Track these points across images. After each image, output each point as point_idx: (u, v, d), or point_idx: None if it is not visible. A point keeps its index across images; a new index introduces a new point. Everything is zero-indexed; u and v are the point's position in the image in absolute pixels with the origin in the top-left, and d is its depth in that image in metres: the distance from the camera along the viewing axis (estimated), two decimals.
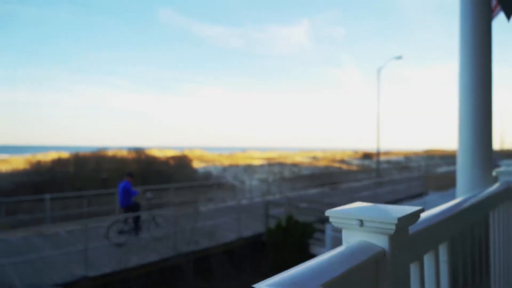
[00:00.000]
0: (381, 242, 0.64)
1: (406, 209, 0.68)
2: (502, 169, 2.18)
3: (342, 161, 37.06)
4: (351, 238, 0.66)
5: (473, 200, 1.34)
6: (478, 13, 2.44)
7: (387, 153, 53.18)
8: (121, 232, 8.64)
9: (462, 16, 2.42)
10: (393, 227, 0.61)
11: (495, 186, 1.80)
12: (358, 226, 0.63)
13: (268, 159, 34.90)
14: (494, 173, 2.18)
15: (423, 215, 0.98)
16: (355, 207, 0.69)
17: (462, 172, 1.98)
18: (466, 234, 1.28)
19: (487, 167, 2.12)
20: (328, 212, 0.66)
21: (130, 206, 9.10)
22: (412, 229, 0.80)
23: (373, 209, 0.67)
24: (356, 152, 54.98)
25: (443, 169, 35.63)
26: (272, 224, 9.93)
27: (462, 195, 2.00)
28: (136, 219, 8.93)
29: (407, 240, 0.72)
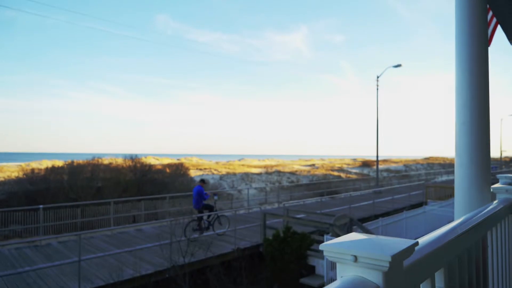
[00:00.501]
0: (375, 278, 0.63)
1: (400, 244, 0.67)
2: (499, 185, 2.12)
3: (341, 169, 36.97)
4: (346, 273, 0.66)
5: (470, 223, 1.28)
6: (473, 20, 2.41)
7: (386, 160, 53.12)
8: (195, 229, 10.16)
9: (458, 24, 2.39)
10: (387, 264, 0.60)
11: (493, 205, 1.73)
12: (352, 261, 0.63)
13: (266, 167, 34.80)
14: (491, 189, 2.12)
15: (419, 241, 0.93)
16: (350, 241, 0.68)
17: (460, 190, 1.92)
18: (463, 258, 1.22)
19: (485, 183, 2.05)
20: (322, 246, 0.66)
21: (202, 207, 10.69)
22: (407, 261, 0.77)
23: (368, 243, 0.67)
24: (355, 160, 54.93)
25: (443, 177, 35.60)
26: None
27: (460, 214, 1.92)
28: (207, 218, 10.67)
29: (402, 274, 0.71)
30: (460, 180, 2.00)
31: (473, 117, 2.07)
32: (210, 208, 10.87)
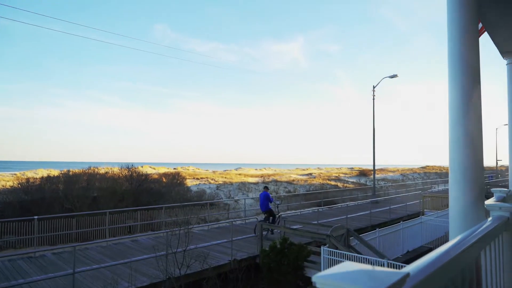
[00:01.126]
0: None
1: (391, 276, 0.67)
2: (493, 202, 2.14)
3: (338, 179, 36.95)
4: None
5: (463, 244, 1.29)
6: (465, 32, 2.46)
7: (383, 169, 53.18)
8: (264, 228, 11.58)
9: (450, 35, 2.43)
10: None
11: (486, 223, 1.75)
12: None
13: (263, 176, 34.70)
14: (485, 206, 2.14)
15: (410, 269, 0.93)
16: (342, 272, 0.68)
17: (454, 207, 1.94)
18: (457, 281, 1.22)
19: (479, 199, 2.08)
20: (315, 278, 0.67)
21: (268, 210, 12.56)
22: None
23: (360, 275, 0.67)
24: (352, 169, 54.94)
25: (439, 186, 35.66)
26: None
27: (455, 232, 1.93)
28: (273, 219, 12.52)
29: None
30: (454, 197, 2.02)
31: (467, 134, 2.10)
32: (271, 213, 12.63)
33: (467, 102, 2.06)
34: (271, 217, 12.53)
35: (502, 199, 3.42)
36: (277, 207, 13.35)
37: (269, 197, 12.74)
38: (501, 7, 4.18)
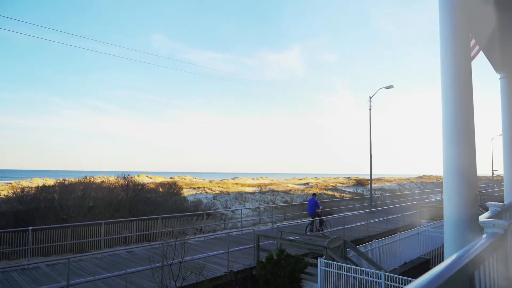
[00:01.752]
0: None
1: None
2: (487, 219, 2.16)
3: (335, 189, 36.91)
4: None
5: (457, 264, 1.30)
6: (457, 52, 2.51)
7: (380, 179, 53.21)
8: (311, 230, 14.73)
9: (443, 50, 2.48)
10: None
11: (480, 242, 1.77)
12: None
13: (259, 185, 34.62)
14: (480, 222, 2.15)
15: None
16: None
17: (449, 224, 1.96)
18: None
19: (473, 217, 2.09)
20: None
21: (315, 214, 15.12)
22: None
23: None
24: (349, 179, 54.95)
25: (436, 196, 35.68)
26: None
27: (450, 250, 1.95)
28: (321, 221, 15.19)
29: None
30: (449, 214, 2.04)
31: (460, 154, 2.13)
32: (319, 216, 15.22)
33: (461, 122, 2.10)
34: (318, 220, 15.07)
35: (497, 214, 3.44)
36: (320, 211, 15.55)
37: (317, 203, 15.26)
38: (492, 25, 4.29)
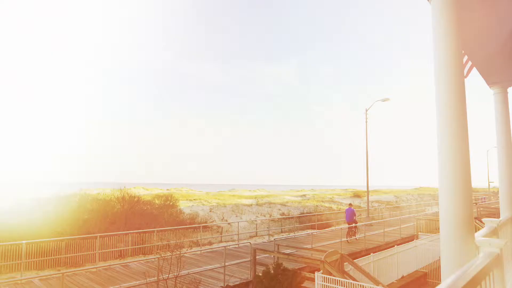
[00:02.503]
0: None
1: None
2: (482, 238, 2.18)
3: (332, 201, 36.82)
4: None
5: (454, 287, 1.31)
6: (450, 70, 2.57)
7: (377, 191, 53.23)
8: (349, 235, 16.85)
9: (436, 65, 2.54)
10: None
11: (477, 262, 1.78)
12: None
13: (256, 197, 34.46)
14: (476, 241, 2.17)
15: None
16: None
17: (446, 244, 1.97)
18: None
19: (469, 236, 2.11)
20: None
21: (353, 221, 17.09)
22: None
23: None
24: (346, 191, 54.91)
25: (433, 208, 35.66)
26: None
27: (447, 270, 1.96)
28: (355, 228, 17.26)
29: None
30: (446, 234, 2.06)
31: (456, 171, 2.16)
32: (355, 222, 17.51)
33: (457, 144, 2.14)
34: (353, 227, 17.12)
35: (493, 230, 3.46)
36: (355, 219, 17.77)
37: (354, 212, 17.46)
38: (483, 42, 4.40)
